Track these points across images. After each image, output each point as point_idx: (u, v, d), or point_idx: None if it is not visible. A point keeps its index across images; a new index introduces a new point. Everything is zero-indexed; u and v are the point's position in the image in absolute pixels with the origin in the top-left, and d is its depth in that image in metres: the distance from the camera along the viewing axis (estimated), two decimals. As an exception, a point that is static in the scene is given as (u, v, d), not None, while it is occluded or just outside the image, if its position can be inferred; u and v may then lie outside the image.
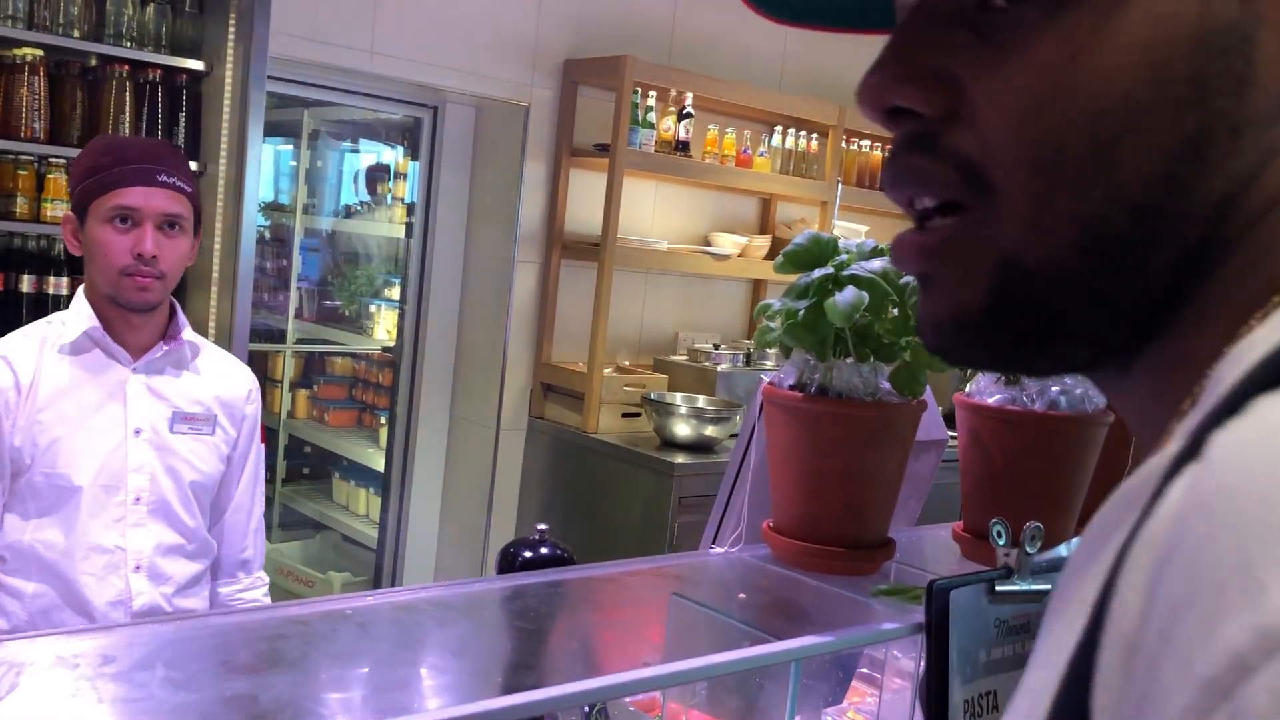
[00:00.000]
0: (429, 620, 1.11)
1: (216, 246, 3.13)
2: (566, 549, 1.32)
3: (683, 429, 4.20)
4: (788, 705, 1.14)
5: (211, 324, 3.15)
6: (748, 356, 4.77)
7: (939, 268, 0.49)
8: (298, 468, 5.49)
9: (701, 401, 4.42)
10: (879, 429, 1.31)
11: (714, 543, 1.51)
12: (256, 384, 2.05)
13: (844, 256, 1.30)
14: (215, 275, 3.14)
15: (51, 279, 3.03)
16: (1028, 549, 1.14)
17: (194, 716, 0.86)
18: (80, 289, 1.87)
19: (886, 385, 1.33)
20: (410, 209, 4.59)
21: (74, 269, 3.10)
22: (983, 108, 0.45)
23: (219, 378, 1.98)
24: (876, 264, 1.31)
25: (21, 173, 2.94)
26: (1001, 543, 1.14)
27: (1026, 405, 1.40)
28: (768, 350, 4.71)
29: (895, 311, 1.33)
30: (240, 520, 1.99)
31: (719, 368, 4.59)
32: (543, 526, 1.37)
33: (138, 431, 1.84)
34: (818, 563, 1.30)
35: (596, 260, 4.34)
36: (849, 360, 1.32)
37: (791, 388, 1.33)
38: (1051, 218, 0.44)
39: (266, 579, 2.07)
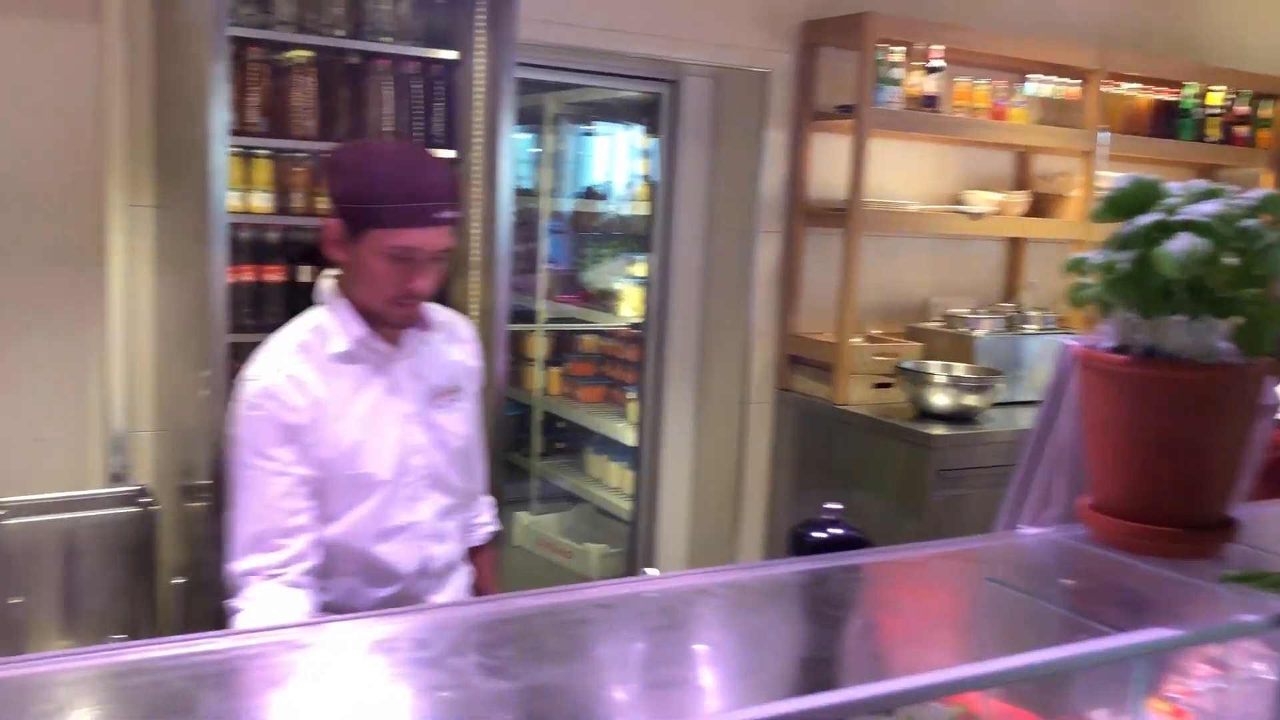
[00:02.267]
0: (730, 606, 1.06)
1: (475, 232, 3.20)
2: (860, 530, 1.24)
3: (940, 399, 4.02)
4: (1128, 703, 1.02)
5: (474, 307, 3.23)
6: (1009, 321, 4.51)
7: None
8: (552, 443, 5.64)
9: (959, 369, 4.22)
10: (1218, 394, 1.16)
11: (1017, 522, 1.39)
12: (474, 331, 2.09)
13: (1173, 199, 1.16)
14: (475, 260, 3.22)
15: (326, 269, 3.19)
16: None
17: (512, 707, 0.84)
18: (330, 286, 1.88)
19: (1222, 344, 1.18)
20: (651, 186, 4.58)
21: (346, 259, 3.26)
22: None
23: (452, 343, 2.04)
24: (1210, 207, 1.16)
25: (297, 170, 3.10)
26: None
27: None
28: (1030, 314, 4.46)
29: (1233, 260, 1.17)
30: (475, 458, 2.07)
31: (977, 333, 4.36)
32: (834, 506, 1.29)
33: (411, 415, 1.90)
34: (1148, 545, 1.17)
35: (842, 226, 4.20)
36: (1178, 318, 1.17)
37: (1112, 350, 1.20)
38: None
39: (490, 500, 2.17)
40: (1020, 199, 4.66)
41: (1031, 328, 4.53)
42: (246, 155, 3.02)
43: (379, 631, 0.94)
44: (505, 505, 2.64)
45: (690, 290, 4.61)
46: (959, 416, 4.01)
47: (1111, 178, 4.79)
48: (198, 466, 3.00)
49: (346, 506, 1.84)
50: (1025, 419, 4.18)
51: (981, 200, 4.59)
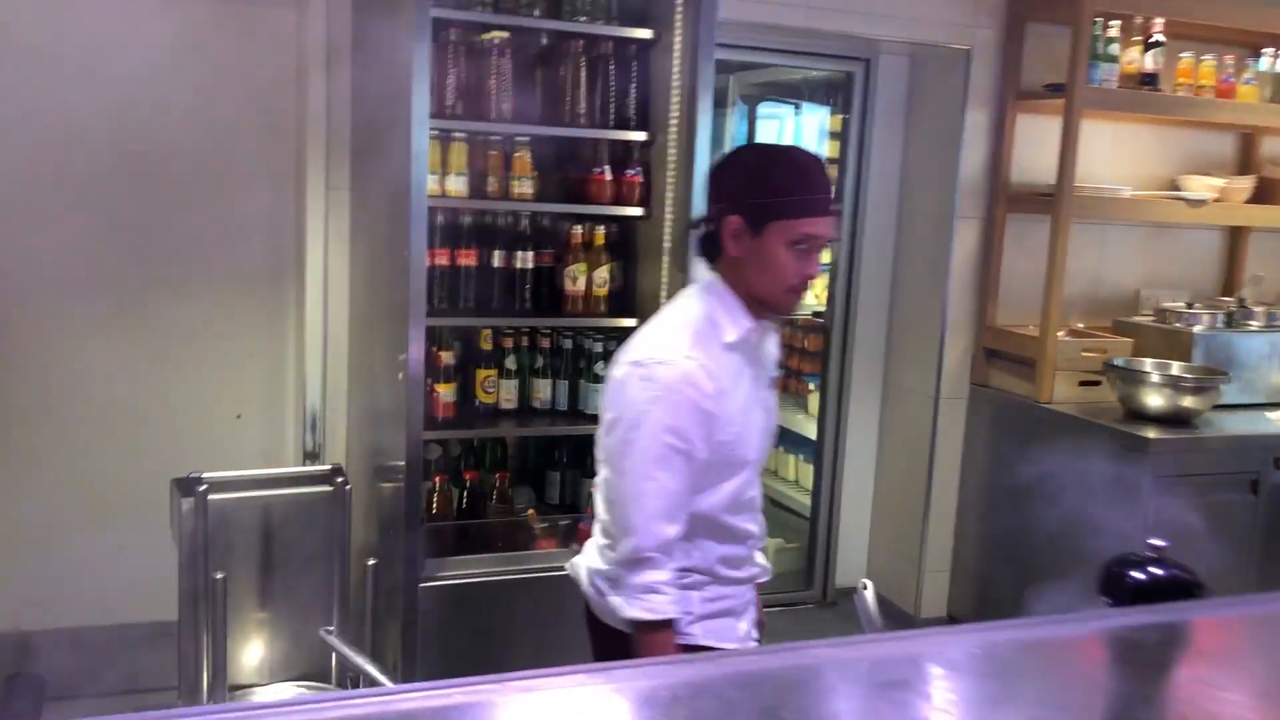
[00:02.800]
0: (1061, 665, 0.91)
1: (668, 216, 3.12)
2: (1192, 573, 1.07)
3: (1155, 400, 3.73)
4: None
5: (663, 293, 3.15)
6: (1229, 317, 4.16)
7: None
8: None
9: (1176, 368, 3.91)
10: None
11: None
12: None
13: None
14: (666, 245, 3.13)
15: (519, 254, 3.16)
16: None
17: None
18: (715, 280, 1.95)
19: None
20: (841, 168, 4.41)
21: (539, 244, 3.21)
22: None
23: (772, 335, 2.11)
24: None
25: (491, 153, 3.07)
26: None
27: None
28: (1254, 309, 4.11)
29: None
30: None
31: (1195, 329, 4.04)
32: (1158, 542, 1.12)
33: (766, 400, 2.04)
34: None
35: (1048, 212, 3.94)
36: None
37: None
38: None
39: None
40: (1244, 184, 4.30)
41: (1255, 324, 4.17)
42: (444, 138, 3.00)
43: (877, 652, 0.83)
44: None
45: (879, 278, 4.42)
46: (1175, 419, 3.72)
47: (1353, 161, 4.38)
48: (391, 448, 3.02)
49: (714, 483, 1.97)
50: (1250, 424, 3.85)
51: (1201, 186, 4.25)
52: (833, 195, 1.99)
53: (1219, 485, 3.66)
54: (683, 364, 1.88)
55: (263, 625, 3.17)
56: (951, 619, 4.34)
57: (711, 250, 1.98)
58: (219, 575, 2.78)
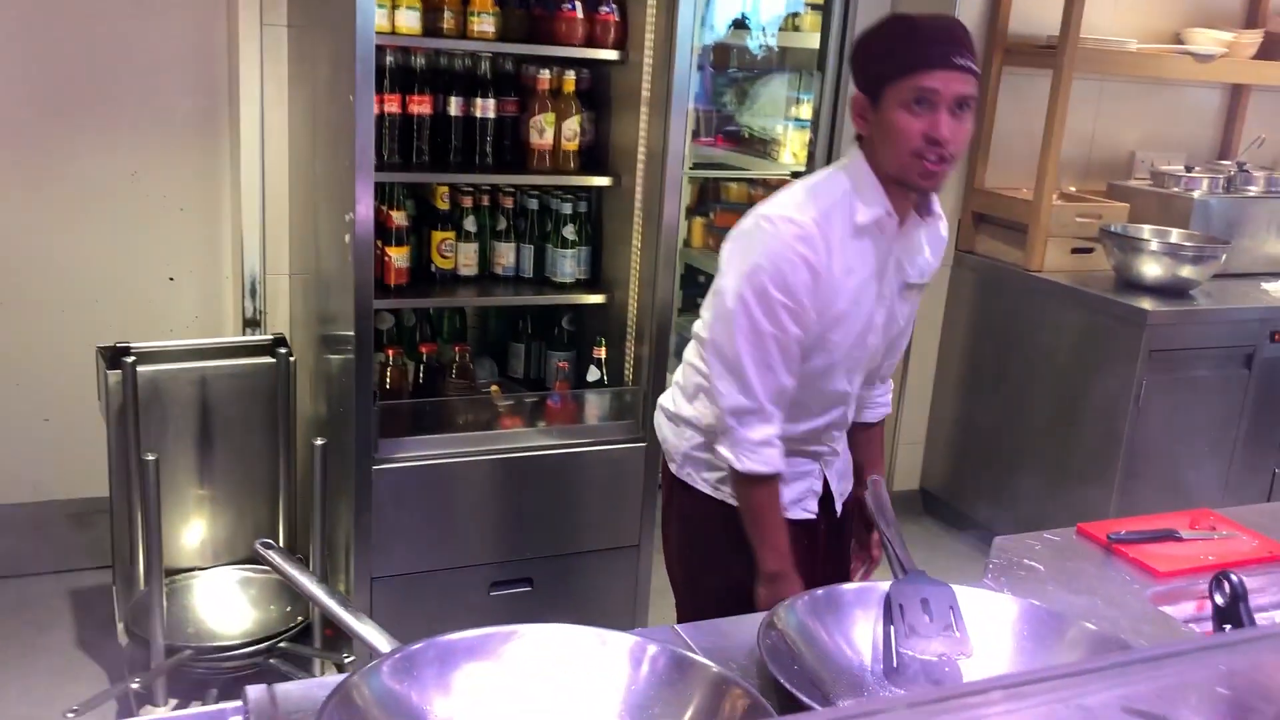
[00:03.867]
0: None
1: (648, 60, 2.80)
2: None
3: (1152, 269, 3.54)
4: None
5: (640, 148, 2.85)
6: (1228, 181, 3.95)
7: None
8: (693, 297, 5.28)
9: (1175, 236, 3.71)
10: None
11: None
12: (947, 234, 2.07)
13: None
14: (645, 94, 2.82)
15: (479, 101, 2.84)
16: None
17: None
18: (859, 159, 1.84)
19: None
20: (824, 11, 4.07)
21: (502, 91, 2.89)
22: None
23: (934, 239, 1.99)
24: None
25: (447, -16, 2.72)
26: None
27: None
28: (1254, 174, 3.91)
29: None
30: (899, 345, 2.07)
31: (1194, 194, 3.83)
32: None
33: (883, 299, 1.91)
34: None
35: (1047, 66, 3.66)
36: None
37: None
38: None
39: (891, 384, 2.18)
40: (1253, 38, 4.03)
41: (1255, 189, 3.97)
42: (392, -35, 2.64)
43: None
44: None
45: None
46: (1172, 289, 3.53)
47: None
48: (338, 317, 2.75)
49: (804, 369, 1.90)
50: (1247, 295, 3.68)
51: (1208, 40, 3.98)
52: (965, 47, 1.76)
53: (1214, 360, 3.51)
54: (806, 226, 1.81)
55: (202, 505, 2.95)
56: (924, 492, 4.22)
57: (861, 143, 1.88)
58: (150, 457, 2.53)
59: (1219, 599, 1.09)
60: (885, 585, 1.39)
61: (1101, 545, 1.70)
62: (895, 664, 1.33)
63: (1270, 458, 3.73)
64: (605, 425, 2.95)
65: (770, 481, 1.87)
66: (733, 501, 1.94)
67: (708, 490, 1.98)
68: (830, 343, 1.87)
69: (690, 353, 2.02)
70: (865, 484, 2.14)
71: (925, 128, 1.72)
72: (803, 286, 1.79)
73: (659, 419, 2.12)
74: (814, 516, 2.02)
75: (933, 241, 1.98)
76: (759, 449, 1.84)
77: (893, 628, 1.36)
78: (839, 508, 2.08)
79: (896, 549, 1.49)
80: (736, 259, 1.84)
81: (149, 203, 3.21)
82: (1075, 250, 3.78)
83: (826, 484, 2.04)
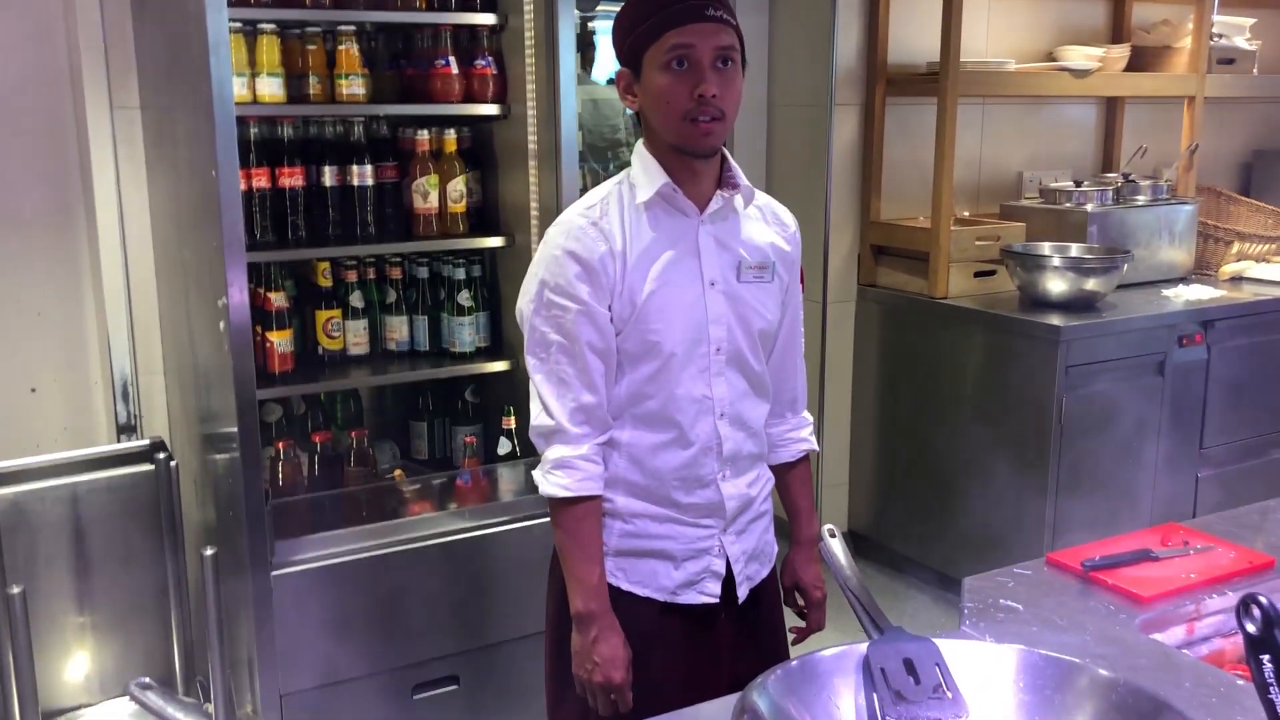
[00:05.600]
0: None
1: (531, 113, 2.66)
2: None
3: (1057, 285, 3.51)
4: None
5: (533, 204, 2.71)
6: (1116, 192, 3.98)
7: None
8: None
9: (1075, 250, 3.71)
10: None
11: None
12: (797, 225, 1.95)
13: None
14: (532, 148, 2.68)
15: (354, 168, 2.66)
16: None
17: None
18: (639, 145, 1.80)
19: None
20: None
21: (379, 155, 2.72)
22: None
23: (772, 223, 1.88)
24: None
25: (310, 47, 2.55)
26: None
27: None
28: (1139, 184, 3.94)
29: None
30: (789, 361, 1.97)
31: (1087, 208, 3.84)
32: None
33: (712, 283, 1.78)
34: None
35: (930, 94, 3.65)
36: None
37: None
38: None
39: (810, 419, 2.03)
40: (1122, 53, 4.09)
41: (1142, 199, 4.00)
42: (250, 32, 2.47)
43: None
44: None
45: (752, 177, 4.03)
46: (1079, 304, 3.51)
47: (1227, 22, 4.22)
48: (220, 411, 2.52)
49: (634, 369, 1.78)
50: (1151, 304, 3.68)
51: (1080, 56, 4.03)
52: (715, 3, 1.70)
53: (1128, 370, 3.48)
54: (574, 220, 1.76)
55: (84, 635, 2.66)
56: (853, 534, 4.11)
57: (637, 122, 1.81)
58: (15, 590, 2.26)
59: (1251, 628, 0.97)
60: (863, 648, 1.24)
61: (1076, 574, 1.57)
62: (884, 737, 1.18)
63: (1193, 462, 3.72)
64: (522, 500, 2.75)
65: (574, 507, 1.73)
66: (615, 582, 1.78)
67: None
68: (655, 334, 1.75)
69: None
70: (797, 540, 1.99)
71: (690, 87, 1.67)
72: (578, 281, 1.71)
73: None
74: (714, 600, 1.81)
75: (772, 222, 1.88)
76: (556, 471, 1.73)
77: (876, 695, 1.21)
78: (742, 593, 1.86)
79: (865, 605, 1.35)
80: (527, 281, 1.80)
81: (2, 310, 2.95)
82: (978, 274, 3.74)
83: (729, 565, 1.83)
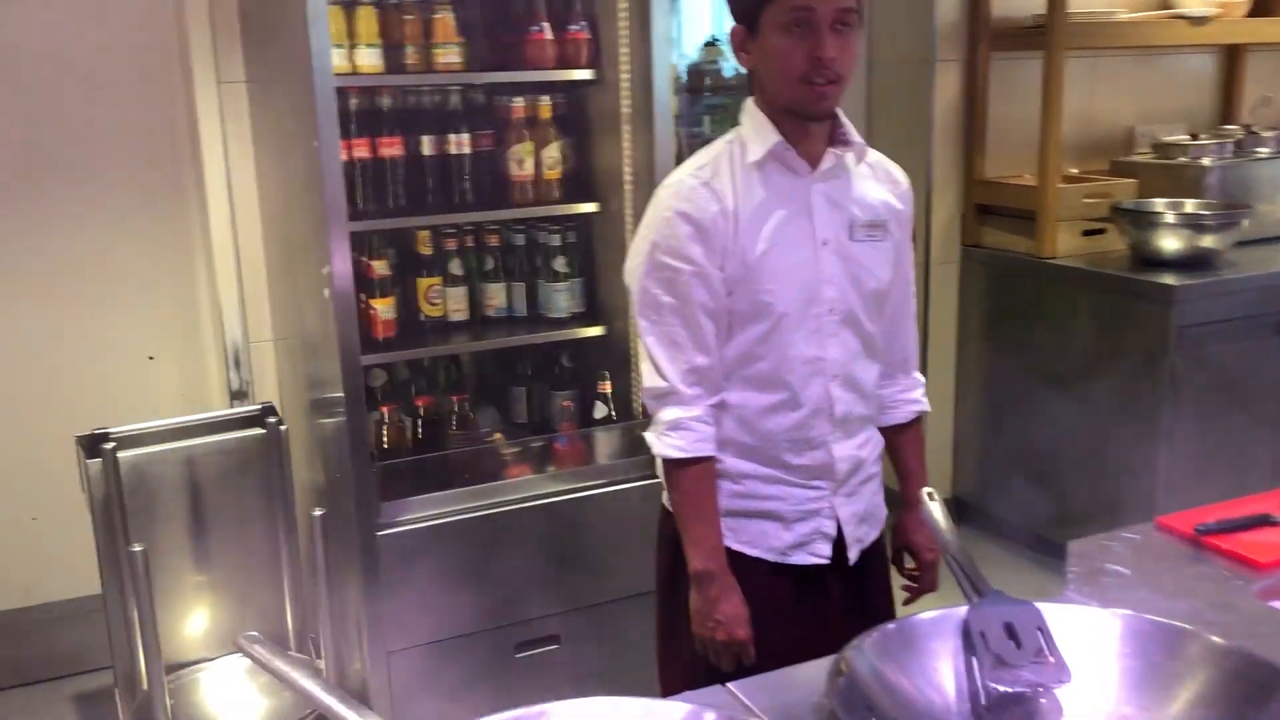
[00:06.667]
0: None
1: (624, 77, 2.65)
2: None
3: (1171, 243, 3.38)
4: None
5: (626, 169, 2.71)
6: (1237, 145, 3.81)
7: None
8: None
9: (1190, 206, 3.56)
10: None
11: None
12: (909, 181, 1.91)
13: None
14: (625, 111, 2.67)
15: (452, 137, 2.69)
16: None
17: None
18: (749, 103, 1.77)
19: None
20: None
21: (475, 124, 2.75)
22: None
23: (884, 180, 1.85)
24: None
25: (407, 17, 2.57)
26: None
27: None
28: (1263, 135, 3.76)
29: None
30: (901, 320, 1.92)
31: (1204, 162, 3.68)
32: None
33: (825, 243, 1.76)
34: None
35: (1036, 48, 3.53)
36: None
37: None
38: None
39: (922, 380, 1.98)
40: (1242, -2, 3.90)
41: (1266, 151, 3.82)
42: (347, 3, 2.51)
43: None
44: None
45: (852, 138, 3.98)
46: (1193, 262, 3.38)
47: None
48: (327, 376, 2.59)
49: (744, 329, 1.77)
50: (1271, 260, 3.52)
51: (1197, 2, 3.84)
52: None
53: (1245, 329, 3.34)
54: (685, 181, 1.74)
55: (201, 593, 2.77)
56: (957, 500, 4.04)
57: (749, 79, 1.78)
58: (138, 548, 2.36)
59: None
60: (962, 611, 1.22)
61: (1188, 539, 1.52)
62: (985, 701, 1.16)
63: (1318, 427, 3.56)
64: (619, 463, 2.77)
65: (689, 468, 1.74)
66: (729, 542, 1.79)
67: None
68: (767, 294, 1.73)
69: None
70: (909, 502, 1.97)
71: (809, 49, 1.63)
72: (690, 241, 1.70)
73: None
74: (824, 561, 1.81)
75: (884, 180, 1.84)
76: (670, 432, 1.73)
77: (976, 660, 1.19)
78: (853, 555, 1.85)
79: (965, 568, 1.32)
80: (636, 242, 1.79)
81: (121, 281, 3.06)
82: (1086, 233, 3.63)
83: (840, 527, 1.83)
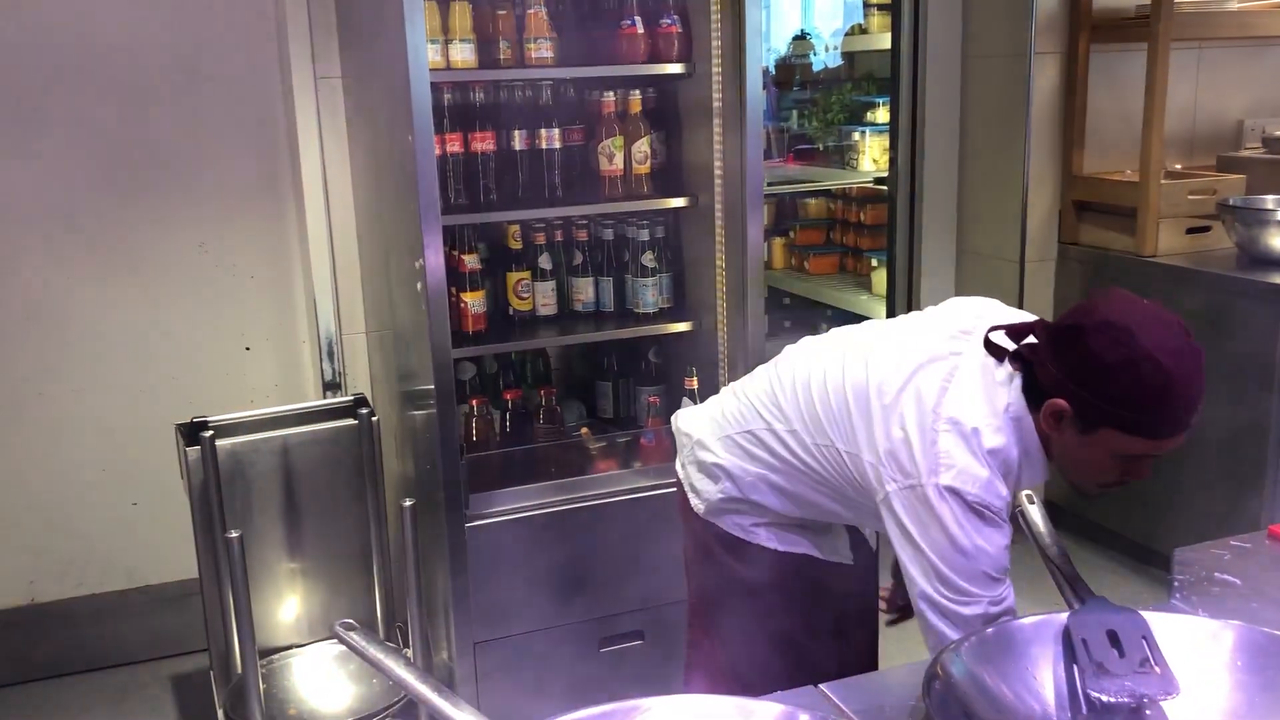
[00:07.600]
0: None
1: (715, 71, 2.64)
2: None
3: (1282, 241, 3.26)
4: None
5: (716, 165, 2.69)
6: (1354, 140, 3.65)
7: None
8: (777, 321, 5.09)
9: (1305, 203, 3.43)
10: None
11: None
12: None
13: None
14: (716, 105, 2.66)
15: (543, 132, 2.70)
16: None
17: None
18: (1021, 403, 1.61)
19: None
20: (893, 11, 3.88)
21: (566, 118, 2.75)
22: None
23: None
24: None
25: (500, 12, 2.59)
26: None
27: None
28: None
29: None
30: None
31: (1317, 158, 3.54)
32: None
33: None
34: None
35: (1138, 39, 3.43)
36: None
37: None
38: None
39: None
40: (1363, -15, 3.73)
41: (1384, 147, 3.66)
42: (443, 0, 2.53)
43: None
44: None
45: (946, 132, 3.91)
46: (1306, 262, 3.25)
47: None
48: (418, 369, 2.62)
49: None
50: (1390, 260, 3.36)
51: (1312, -8, 3.69)
52: (1197, 409, 1.54)
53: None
54: (979, 473, 1.58)
55: (294, 579, 2.83)
56: (1050, 505, 3.94)
57: (1032, 396, 1.61)
58: (234, 534, 2.41)
59: None
60: (1063, 617, 1.18)
61: (1302, 549, 1.46)
62: (1085, 710, 1.13)
63: None
64: (706, 460, 2.76)
65: None
66: (769, 545, 1.85)
67: (739, 534, 1.88)
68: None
69: (750, 398, 1.87)
70: None
71: (1125, 474, 1.61)
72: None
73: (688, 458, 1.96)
74: (849, 562, 1.91)
75: None
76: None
77: (1077, 667, 1.15)
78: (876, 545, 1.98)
79: (1066, 574, 1.29)
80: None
81: (219, 273, 3.14)
82: (1191, 231, 3.51)
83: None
